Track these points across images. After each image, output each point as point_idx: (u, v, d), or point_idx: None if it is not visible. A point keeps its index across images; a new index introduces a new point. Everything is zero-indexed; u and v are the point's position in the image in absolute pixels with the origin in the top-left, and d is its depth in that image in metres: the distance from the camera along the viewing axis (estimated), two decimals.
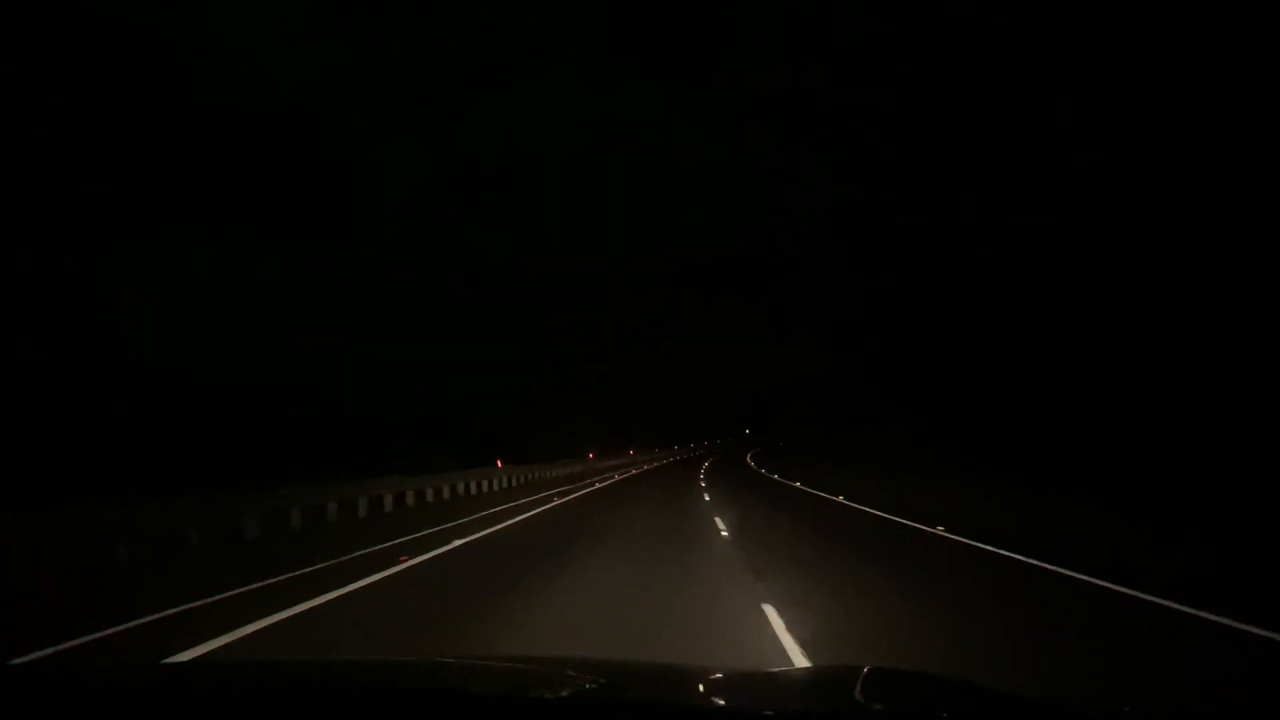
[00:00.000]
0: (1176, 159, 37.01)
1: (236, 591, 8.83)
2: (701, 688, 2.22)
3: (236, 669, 2.89)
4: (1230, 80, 32.07)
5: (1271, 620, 6.29)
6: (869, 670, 2.21)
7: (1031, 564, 9.87)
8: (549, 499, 24.16)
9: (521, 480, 33.39)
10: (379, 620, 7.71)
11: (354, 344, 51.89)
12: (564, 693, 2.05)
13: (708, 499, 23.46)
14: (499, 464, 31.98)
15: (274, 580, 9.64)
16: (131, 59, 50.00)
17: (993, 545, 11.41)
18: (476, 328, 79.41)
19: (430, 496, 23.29)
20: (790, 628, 6.57)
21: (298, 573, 10.15)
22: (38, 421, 23.10)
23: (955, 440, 40.70)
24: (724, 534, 14.18)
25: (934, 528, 13.97)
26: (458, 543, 13.50)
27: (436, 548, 12.79)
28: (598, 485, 33.21)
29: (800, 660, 5.64)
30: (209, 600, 8.41)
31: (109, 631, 7.00)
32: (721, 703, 2.12)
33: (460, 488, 25.96)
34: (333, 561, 11.14)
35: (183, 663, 4.81)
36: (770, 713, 1.87)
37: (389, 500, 20.54)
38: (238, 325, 42.45)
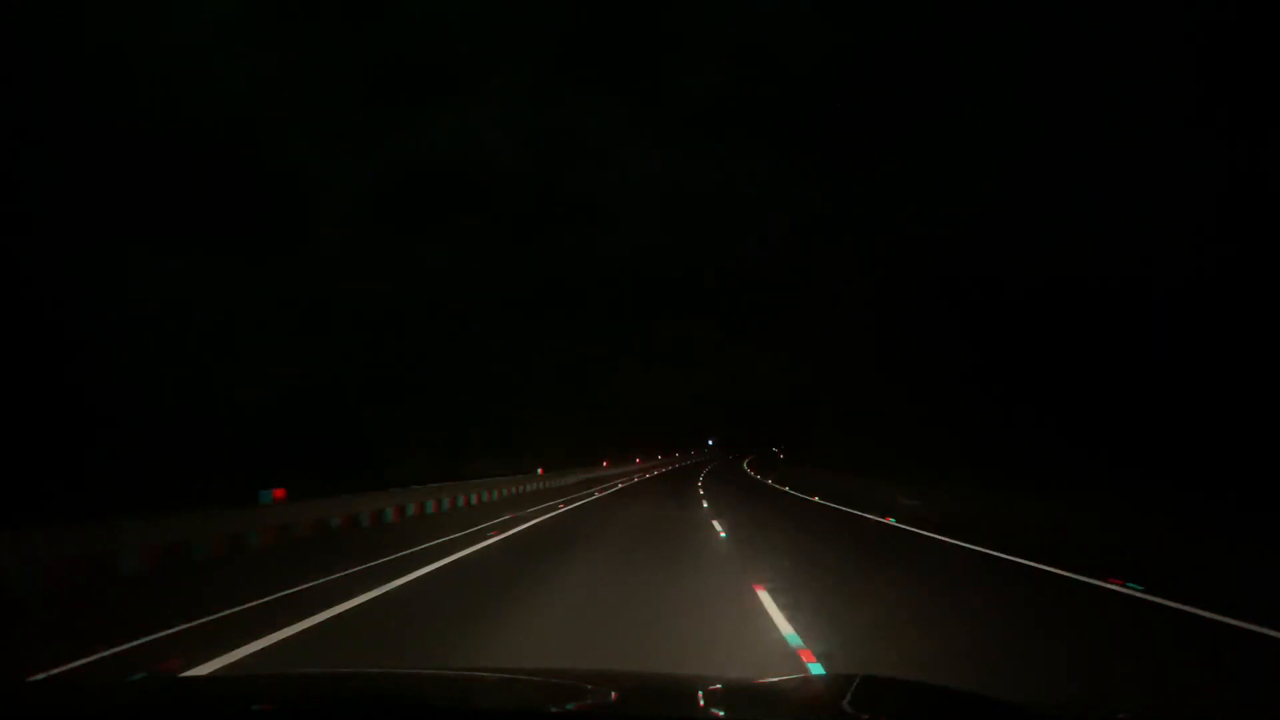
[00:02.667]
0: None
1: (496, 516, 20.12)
2: (699, 700, 2.26)
3: (252, 682, 2.92)
4: None
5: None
6: (862, 679, 2.25)
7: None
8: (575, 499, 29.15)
9: (546, 485, 39.83)
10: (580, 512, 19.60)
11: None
12: (564, 708, 2.09)
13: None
14: (540, 471, 40.98)
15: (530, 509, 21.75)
16: (64, 72, 48.78)
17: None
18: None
19: (498, 494, 32.38)
20: None
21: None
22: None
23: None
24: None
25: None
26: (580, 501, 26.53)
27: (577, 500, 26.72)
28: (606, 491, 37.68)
29: None
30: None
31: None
32: (719, 714, 2.16)
33: (518, 489, 35.04)
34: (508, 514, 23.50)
35: (199, 676, 4.86)
36: None
37: (512, 490, 32.22)
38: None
